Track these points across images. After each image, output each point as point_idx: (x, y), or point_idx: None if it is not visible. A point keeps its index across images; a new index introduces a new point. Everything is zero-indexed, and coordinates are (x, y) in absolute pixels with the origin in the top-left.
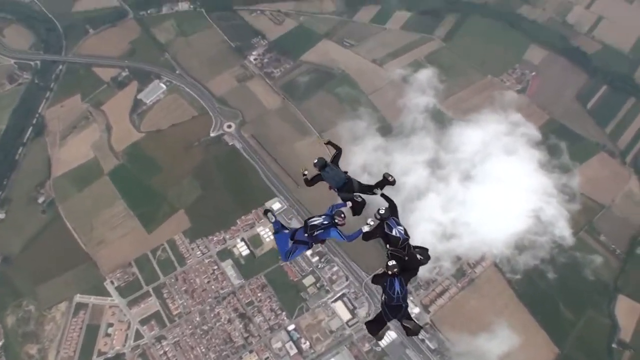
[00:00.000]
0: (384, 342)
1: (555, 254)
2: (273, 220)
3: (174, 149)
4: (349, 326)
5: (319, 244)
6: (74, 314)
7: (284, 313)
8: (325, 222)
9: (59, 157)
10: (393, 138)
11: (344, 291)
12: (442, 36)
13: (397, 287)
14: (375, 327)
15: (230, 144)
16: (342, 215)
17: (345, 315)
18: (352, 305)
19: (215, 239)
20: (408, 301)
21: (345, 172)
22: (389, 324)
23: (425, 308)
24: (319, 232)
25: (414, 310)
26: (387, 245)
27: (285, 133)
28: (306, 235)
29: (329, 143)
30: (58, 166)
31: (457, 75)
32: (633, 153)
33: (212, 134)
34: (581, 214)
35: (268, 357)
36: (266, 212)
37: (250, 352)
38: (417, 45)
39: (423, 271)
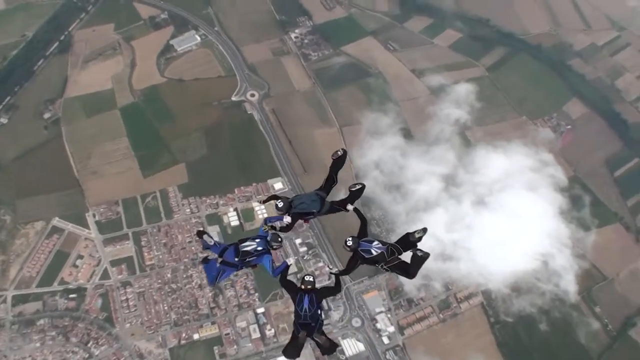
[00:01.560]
0: (349, 352)
1: (553, 307)
2: (212, 243)
3: (191, 102)
4: None
5: (250, 268)
6: (48, 235)
7: (256, 294)
8: (259, 249)
9: (76, 79)
10: (414, 143)
11: None
12: (487, 65)
13: (306, 305)
14: (293, 350)
15: (249, 112)
16: (280, 240)
17: None
18: (328, 305)
19: (208, 201)
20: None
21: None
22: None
23: (400, 329)
24: (251, 258)
25: (388, 328)
26: (376, 265)
27: (307, 117)
28: (236, 259)
29: (267, 200)
30: (73, 87)
31: (493, 107)
32: None
33: (233, 98)
34: (583, 278)
35: (229, 334)
36: (200, 233)
37: (213, 323)
38: (461, 67)
39: (410, 286)
